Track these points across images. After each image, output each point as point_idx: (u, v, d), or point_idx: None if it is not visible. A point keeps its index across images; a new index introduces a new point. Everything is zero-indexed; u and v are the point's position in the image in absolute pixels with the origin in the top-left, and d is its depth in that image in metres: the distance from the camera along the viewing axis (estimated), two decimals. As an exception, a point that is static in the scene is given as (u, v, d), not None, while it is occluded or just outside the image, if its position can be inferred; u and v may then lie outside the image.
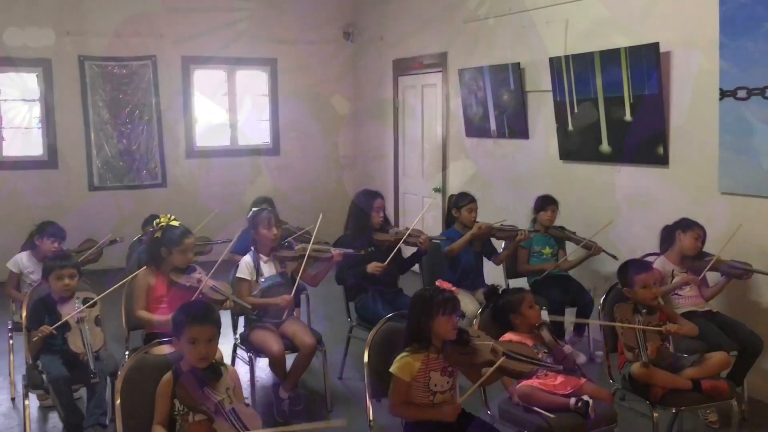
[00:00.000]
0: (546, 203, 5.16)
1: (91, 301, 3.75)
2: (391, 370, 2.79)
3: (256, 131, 8.82)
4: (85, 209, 7.69)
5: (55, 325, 3.58)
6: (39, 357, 3.68)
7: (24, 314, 3.80)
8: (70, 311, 3.68)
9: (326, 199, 8.32)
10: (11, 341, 4.38)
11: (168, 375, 2.67)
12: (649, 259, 4.34)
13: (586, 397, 3.00)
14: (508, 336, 3.25)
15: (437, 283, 2.95)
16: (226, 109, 8.60)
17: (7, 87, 7.66)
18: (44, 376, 3.52)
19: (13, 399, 4.39)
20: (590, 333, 5.07)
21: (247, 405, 2.73)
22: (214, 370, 2.70)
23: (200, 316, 2.69)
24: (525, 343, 3.12)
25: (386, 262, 4.44)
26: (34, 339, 3.58)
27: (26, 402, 3.59)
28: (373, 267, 4.46)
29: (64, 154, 7.81)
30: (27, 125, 7.83)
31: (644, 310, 3.43)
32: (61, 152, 7.80)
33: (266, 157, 8.75)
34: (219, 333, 2.74)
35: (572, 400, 3.02)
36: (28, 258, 4.66)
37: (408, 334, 2.87)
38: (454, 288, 2.92)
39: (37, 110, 7.76)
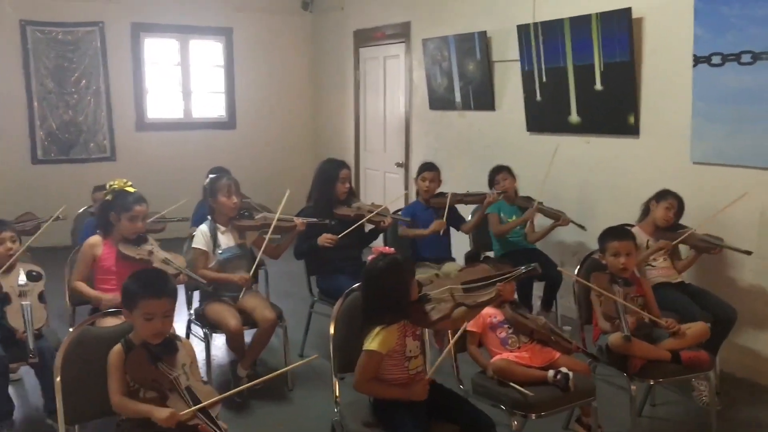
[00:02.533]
0: (495, 173, 5.00)
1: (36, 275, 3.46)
2: (368, 347, 2.55)
3: (211, 104, 8.48)
4: (28, 183, 7.29)
5: None
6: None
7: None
8: (12, 283, 3.38)
9: (285, 175, 8.06)
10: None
11: (118, 347, 2.42)
12: (615, 226, 4.21)
13: (564, 370, 2.85)
14: None
15: (379, 249, 2.70)
16: (179, 80, 8.23)
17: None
18: (-24, 354, 3.21)
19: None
20: (558, 308, 4.95)
21: (205, 383, 2.51)
22: (168, 345, 2.47)
23: (156, 288, 2.44)
24: (480, 266, 2.89)
25: (338, 237, 4.21)
26: None
27: (-42, 382, 3.28)
28: (323, 239, 4.23)
29: (5, 125, 7.36)
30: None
31: (620, 280, 3.30)
32: (1, 122, 7.34)
33: (222, 131, 8.43)
34: (175, 305, 2.50)
35: (550, 373, 2.87)
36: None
37: (373, 310, 2.61)
38: (392, 249, 2.71)
39: (-26, 77, 7.29)
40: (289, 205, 4.74)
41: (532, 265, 2.66)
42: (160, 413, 2.27)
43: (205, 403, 2.35)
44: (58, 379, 2.41)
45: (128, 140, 7.91)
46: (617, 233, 3.43)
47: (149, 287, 2.43)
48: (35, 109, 7.45)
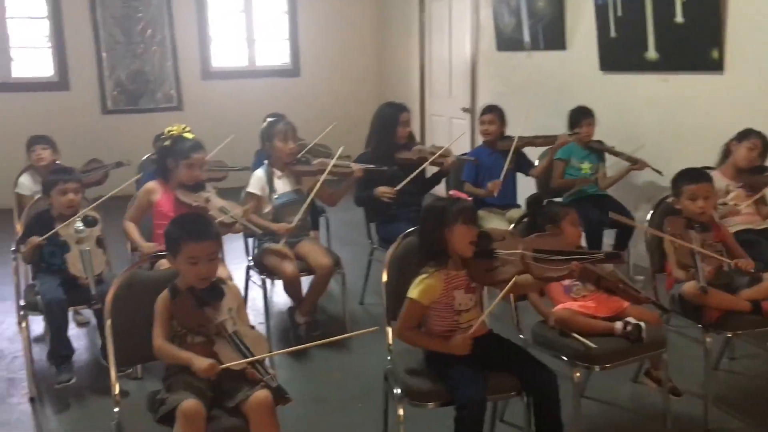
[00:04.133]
0: (580, 116, 4.71)
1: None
2: (409, 294, 2.45)
3: (275, 52, 8.40)
4: (98, 134, 7.43)
5: (45, 236, 3.32)
6: (37, 277, 3.45)
7: (19, 231, 3.55)
8: (69, 231, 3.41)
9: (349, 123, 7.92)
10: (14, 263, 4.14)
11: (165, 292, 2.38)
12: (691, 167, 3.92)
13: (634, 320, 2.66)
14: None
15: (451, 192, 2.59)
16: (243, 28, 8.16)
17: (13, 4, 7.29)
18: (38, 298, 3.27)
19: (19, 323, 4.19)
20: (630, 257, 4.70)
21: (252, 328, 2.45)
22: (214, 289, 2.41)
23: (198, 231, 2.37)
24: (559, 236, 2.73)
25: (399, 187, 4.07)
26: (22, 252, 3.35)
27: (23, 325, 3.36)
28: (381, 191, 4.09)
29: (76, 76, 7.51)
30: (35, 45, 7.50)
31: (697, 225, 3.05)
32: (72, 73, 7.48)
33: (286, 78, 8.35)
34: (220, 248, 2.44)
35: (618, 325, 2.68)
36: (29, 178, 4.38)
37: (423, 249, 2.51)
38: (470, 198, 2.56)
39: (45, 28, 7.41)
40: (353, 150, 4.64)
41: (617, 252, 2.47)
42: (201, 363, 2.21)
43: (253, 358, 2.27)
44: (109, 322, 2.40)
45: (194, 89, 7.95)
46: (693, 175, 3.16)
47: (191, 231, 2.36)
48: (104, 60, 7.56)
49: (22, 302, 3.42)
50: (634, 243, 4.65)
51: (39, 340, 3.87)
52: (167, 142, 3.60)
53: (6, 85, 7.34)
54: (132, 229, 3.58)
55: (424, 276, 2.47)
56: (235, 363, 2.25)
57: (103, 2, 7.42)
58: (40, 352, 3.61)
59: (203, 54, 7.97)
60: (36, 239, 3.34)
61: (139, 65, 7.68)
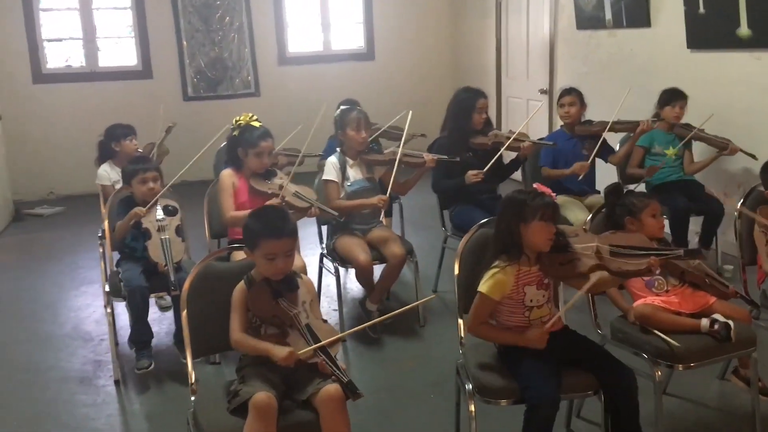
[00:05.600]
0: (673, 97, 4.50)
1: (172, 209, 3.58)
2: (480, 288, 2.40)
3: (350, 36, 8.39)
4: (180, 120, 7.53)
5: (134, 218, 3.45)
6: (121, 264, 3.58)
7: (106, 218, 3.69)
8: (150, 219, 3.52)
9: (424, 106, 7.86)
10: (101, 249, 4.31)
11: (241, 284, 2.41)
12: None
13: (722, 318, 2.52)
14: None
15: (535, 185, 2.51)
16: (318, 12, 8.18)
17: (99, -4, 7.56)
18: (122, 285, 3.39)
19: (106, 306, 4.37)
20: (718, 245, 4.48)
21: (325, 321, 2.45)
22: (289, 281, 2.42)
23: (277, 228, 2.37)
24: (636, 234, 2.62)
25: (485, 169, 4.00)
26: (120, 223, 3.50)
27: (108, 310, 3.49)
28: (471, 175, 4.02)
29: (159, 64, 7.72)
30: (120, 34, 7.76)
31: (793, 216, 2.87)
32: (155, 62, 7.70)
33: (361, 62, 8.34)
34: (297, 242, 2.45)
35: (705, 321, 2.54)
36: (111, 167, 4.52)
37: (497, 241, 2.45)
38: (553, 194, 2.47)
39: (129, 18, 7.65)
40: (429, 135, 4.56)
41: (697, 249, 2.35)
42: (280, 351, 2.24)
43: (326, 341, 2.30)
44: (185, 312, 2.45)
45: (271, 75, 8.04)
46: (790, 164, 2.97)
47: (270, 227, 2.37)
48: (184, 48, 7.73)
49: (107, 288, 3.55)
50: (722, 230, 4.43)
51: (124, 324, 4.02)
52: (235, 132, 3.64)
53: (93, 74, 7.63)
54: (239, 213, 3.50)
55: (495, 270, 2.41)
56: (307, 350, 2.26)
57: (183, -9, 7.58)
58: (125, 336, 3.74)
59: (280, 40, 8.05)
60: (141, 210, 3.46)
61: (218, 52, 7.83)
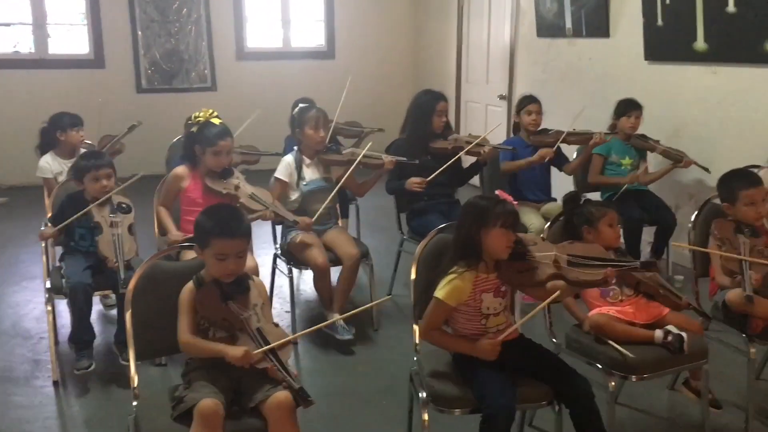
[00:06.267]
0: (629, 108, 4.54)
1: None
2: (436, 294, 2.36)
3: (310, 33, 8.29)
4: (133, 112, 7.34)
5: (76, 216, 3.30)
6: (64, 259, 3.43)
7: (50, 211, 3.54)
8: (103, 213, 3.37)
9: (384, 106, 7.83)
10: (43, 243, 4.12)
11: (190, 284, 2.31)
12: (739, 169, 3.73)
13: (676, 330, 2.52)
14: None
15: (497, 192, 2.48)
16: (278, 8, 8.06)
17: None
18: (63, 281, 3.24)
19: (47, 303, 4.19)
20: (669, 255, 4.54)
21: (276, 326, 2.36)
22: (240, 284, 2.34)
23: (230, 227, 2.29)
24: (593, 244, 2.62)
25: (428, 180, 3.96)
26: (48, 233, 3.37)
27: (48, 308, 3.34)
28: (411, 183, 3.96)
29: (112, 54, 7.50)
30: (72, 21, 7.51)
31: (747, 230, 2.89)
32: (107, 51, 7.48)
33: (321, 60, 8.25)
34: (249, 245, 2.37)
35: (659, 333, 2.55)
36: (53, 158, 4.34)
37: (456, 247, 2.41)
38: (515, 202, 2.45)
39: (81, 5, 7.40)
40: (382, 139, 4.52)
41: (652, 261, 2.36)
42: (235, 351, 2.16)
43: (276, 344, 2.22)
44: (129, 312, 2.34)
45: (228, 70, 7.89)
46: (749, 178, 2.99)
47: (223, 226, 2.28)
48: (139, 38, 7.53)
49: (47, 284, 3.39)
50: (674, 240, 4.48)
51: (66, 322, 3.86)
52: (194, 129, 3.53)
53: (43, 61, 7.36)
54: (164, 214, 3.54)
55: (452, 276, 2.37)
56: (258, 351, 2.18)
57: (138, -21, 7.38)
58: (66, 335, 3.59)
59: (238, 34, 7.90)
60: (49, 231, 3.37)
61: (174, 44, 7.64)
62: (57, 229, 3.34)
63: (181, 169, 3.58)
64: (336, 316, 3.55)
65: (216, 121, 3.57)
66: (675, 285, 4.36)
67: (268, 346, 2.19)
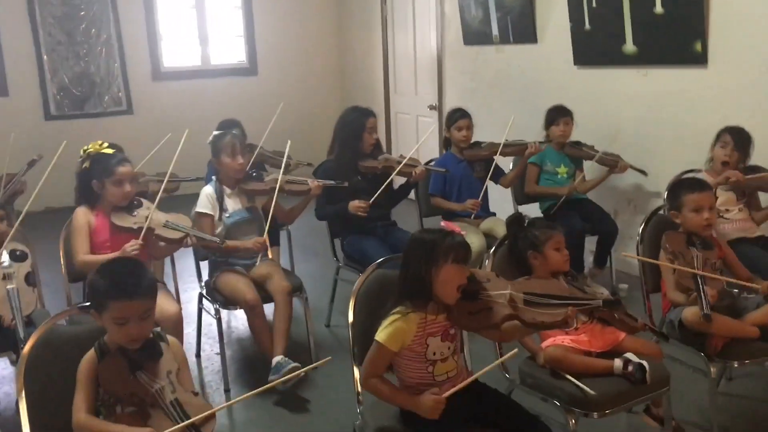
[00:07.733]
0: (557, 115, 4.42)
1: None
2: (376, 337, 2.11)
3: (230, 50, 7.95)
4: (42, 141, 6.87)
5: None
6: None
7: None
8: (-6, 266, 2.99)
9: (311, 123, 7.56)
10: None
11: (91, 353, 1.98)
12: (688, 176, 3.64)
13: (636, 359, 2.35)
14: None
15: (442, 224, 2.25)
16: (195, 25, 7.69)
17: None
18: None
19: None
20: (612, 263, 4.42)
21: (196, 394, 2.05)
22: (150, 349, 2.01)
23: (127, 287, 1.95)
24: (550, 280, 2.43)
25: (371, 201, 3.74)
26: None
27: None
28: (355, 207, 3.73)
29: (15, 80, 6.98)
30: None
31: (698, 242, 2.75)
32: (10, 77, 6.96)
33: (243, 77, 7.91)
34: (155, 302, 2.04)
35: (618, 363, 2.37)
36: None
37: (402, 288, 2.16)
38: (463, 232, 2.22)
39: (-22, 30, 6.89)
40: (316, 155, 4.23)
41: (616, 300, 2.17)
42: None
43: (197, 417, 1.93)
44: (21, 382, 2.00)
45: (144, 91, 7.47)
46: (694, 184, 2.86)
47: (118, 286, 1.95)
48: (45, 62, 7.04)
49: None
50: (616, 247, 4.37)
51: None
52: (86, 165, 3.20)
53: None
54: (93, 258, 3.08)
55: (395, 317, 2.12)
56: (175, 428, 1.88)
57: (41, 1, 6.89)
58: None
59: (153, 53, 7.49)
60: None
61: (84, 67, 7.17)
62: None
63: (81, 210, 3.21)
64: (280, 359, 3.24)
65: (108, 150, 3.26)
66: (620, 294, 4.26)
67: (187, 422, 1.90)
